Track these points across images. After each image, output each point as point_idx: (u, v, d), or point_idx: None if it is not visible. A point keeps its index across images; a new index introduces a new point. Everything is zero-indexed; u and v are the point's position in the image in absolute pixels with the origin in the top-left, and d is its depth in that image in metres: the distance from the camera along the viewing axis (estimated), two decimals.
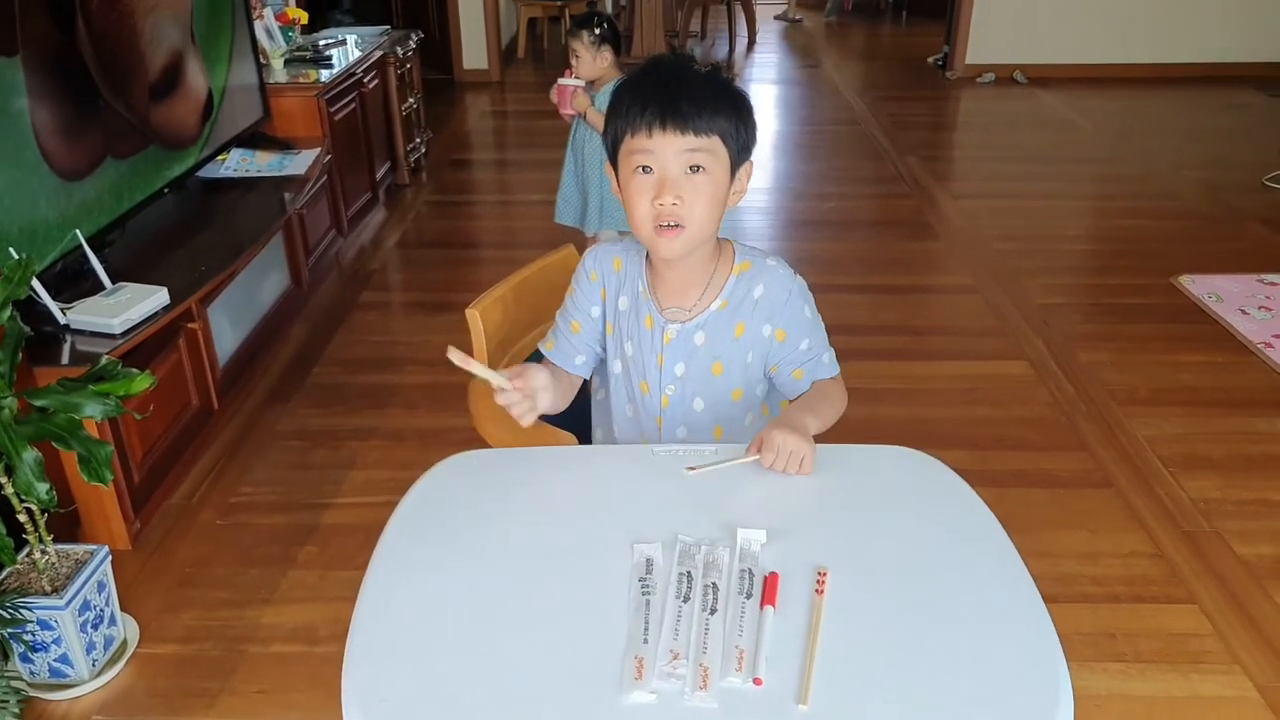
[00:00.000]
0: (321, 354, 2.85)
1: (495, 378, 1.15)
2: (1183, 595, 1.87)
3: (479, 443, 1.32)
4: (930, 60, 6.65)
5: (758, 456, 1.11)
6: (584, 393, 1.48)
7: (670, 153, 1.15)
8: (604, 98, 2.79)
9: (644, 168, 1.16)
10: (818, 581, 0.94)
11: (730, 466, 1.12)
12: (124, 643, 1.77)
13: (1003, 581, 0.96)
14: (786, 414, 1.20)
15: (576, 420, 1.41)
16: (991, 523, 1.05)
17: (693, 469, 1.11)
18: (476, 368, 1.13)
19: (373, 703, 0.83)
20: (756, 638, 0.87)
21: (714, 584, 0.93)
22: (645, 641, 0.86)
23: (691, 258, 1.24)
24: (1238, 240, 3.65)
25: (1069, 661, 0.86)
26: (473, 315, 1.40)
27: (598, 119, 2.77)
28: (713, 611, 0.90)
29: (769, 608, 0.90)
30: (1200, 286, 3.17)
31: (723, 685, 0.83)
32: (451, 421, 2.45)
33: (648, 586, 0.93)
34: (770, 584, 0.93)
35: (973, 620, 0.91)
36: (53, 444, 1.53)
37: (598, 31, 2.74)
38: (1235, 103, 5.59)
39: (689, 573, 0.95)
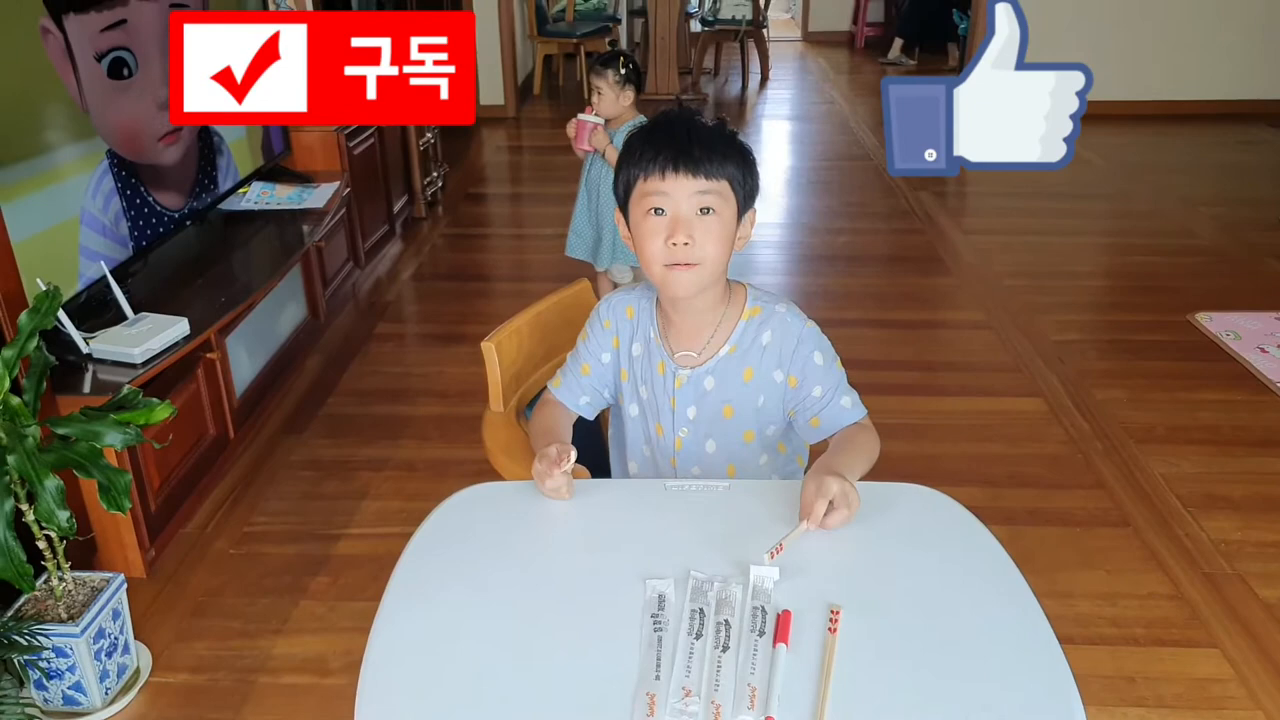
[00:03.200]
0: (336, 385, 2.87)
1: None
2: (1204, 639, 1.85)
3: (491, 474, 1.32)
4: None
5: (806, 527, 1.06)
6: (598, 425, 1.49)
7: (683, 194, 1.19)
8: (620, 136, 2.81)
9: (656, 210, 1.20)
10: (831, 620, 0.94)
11: (798, 535, 1.04)
12: (137, 671, 1.77)
13: (1016, 621, 0.96)
14: (826, 463, 1.16)
15: (590, 454, 1.41)
16: (1005, 561, 1.04)
17: (773, 553, 1.01)
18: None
19: None
20: (769, 676, 0.87)
21: (726, 621, 0.93)
22: (657, 678, 0.86)
23: (701, 301, 1.26)
24: (1254, 277, 3.64)
25: (1088, 705, 0.86)
26: (488, 348, 1.42)
27: (615, 157, 2.80)
28: (725, 649, 0.90)
29: (782, 645, 0.90)
30: (1218, 324, 3.16)
31: None
32: (463, 453, 2.46)
33: (660, 623, 0.93)
34: (783, 622, 0.93)
35: (986, 659, 0.90)
36: (74, 472, 1.54)
37: (623, 71, 2.77)
38: (1249, 139, 5.60)
39: (701, 609, 0.95)
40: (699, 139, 1.20)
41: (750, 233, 1.27)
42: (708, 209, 1.20)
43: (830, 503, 1.06)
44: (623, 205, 1.26)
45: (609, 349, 1.36)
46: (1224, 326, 3.14)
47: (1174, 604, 1.94)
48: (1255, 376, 2.84)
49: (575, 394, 1.37)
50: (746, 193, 1.24)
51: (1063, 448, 2.51)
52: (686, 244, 1.18)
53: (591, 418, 1.40)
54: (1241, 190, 4.72)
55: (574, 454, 1.14)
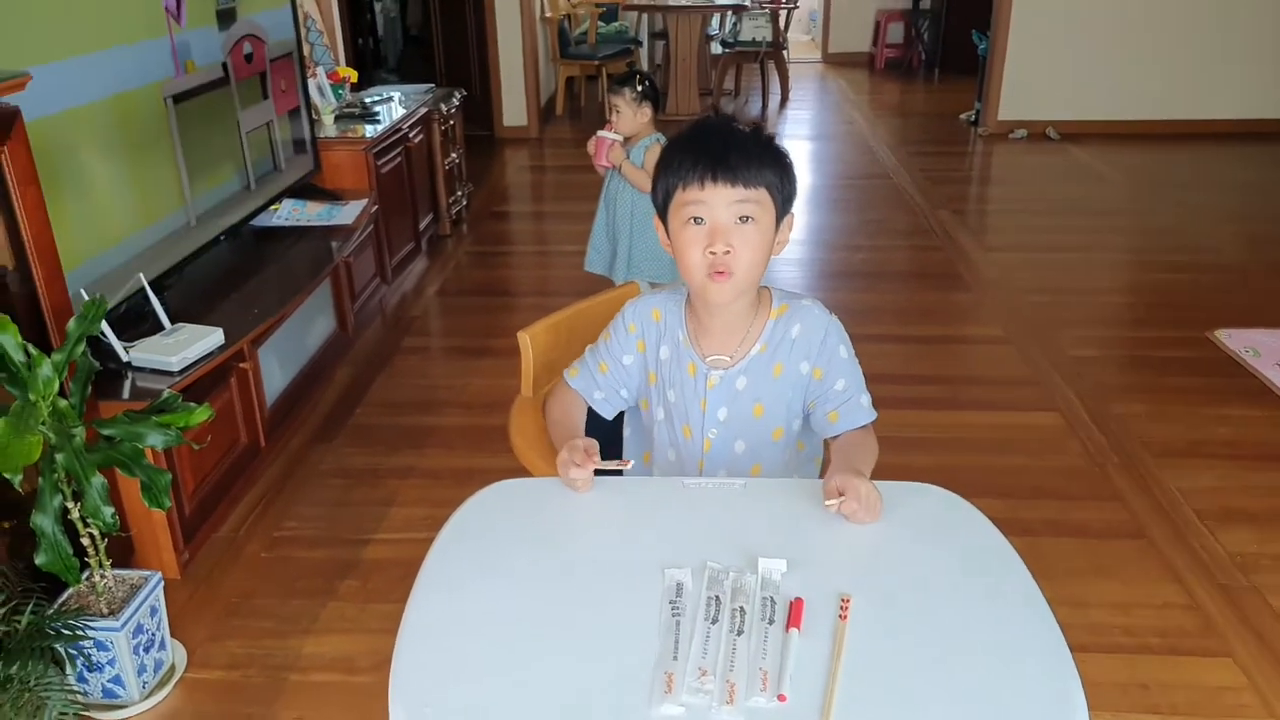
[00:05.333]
0: (364, 396, 2.94)
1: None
2: (1218, 648, 1.86)
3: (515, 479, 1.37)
4: (962, 117, 6.74)
5: (836, 501, 1.12)
6: (616, 421, 1.51)
7: (721, 204, 1.21)
8: (639, 153, 2.89)
9: (696, 219, 1.22)
10: (842, 607, 0.98)
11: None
12: (172, 667, 1.83)
13: (1023, 616, 0.99)
14: (850, 461, 1.21)
15: (607, 451, 1.45)
16: (1014, 558, 1.08)
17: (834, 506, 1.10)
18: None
19: (417, 708, 0.87)
20: (781, 658, 0.91)
21: (741, 608, 0.97)
22: (675, 659, 0.91)
23: (735, 305, 1.29)
24: (1274, 294, 3.64)
25: (1102, 711, 0.88)
26: (523, 338, 1.47)
27: (633, 173, 2.87)
28: (740, 633, 0.94)
29: (794, 630, 0.94)
30: (1237, 341, 3.16)
31: (748, 703, 0.87)
32: (488, 462, 2.52)
33: (678, 609, 0.98)
34: (796, 608, 0.97)
35: (992, 653, 0.94)
36: (117, 470, 1.61)
37: (639, 89, 2.84)
38: (1270, 158, 5.59)
39: (717, 596, 0.99)
40: (736, 147, 1.21)
41: (788, 237, 1.29)
42: (746, 217, 1.21)
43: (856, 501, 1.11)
44: (661, 214, 1.28)
45: (632, 352, 1.38)
46: (1243, 343, 3.14)
47: (1188, 614, 1.95)
48: (1274, 392, 2.84)
49: (590, 387, 1.39)
50: (784, 198, 1.25)
51: (1081, 461, 2.53)
52: (726, 252, 1.21)
53: (609, 416, 1.42)
54: (1262, 208, 4.72)
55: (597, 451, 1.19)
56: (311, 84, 3.54)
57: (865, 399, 1.32)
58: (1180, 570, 2.09)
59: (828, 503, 1.12)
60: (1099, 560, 2.13)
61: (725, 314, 1.30)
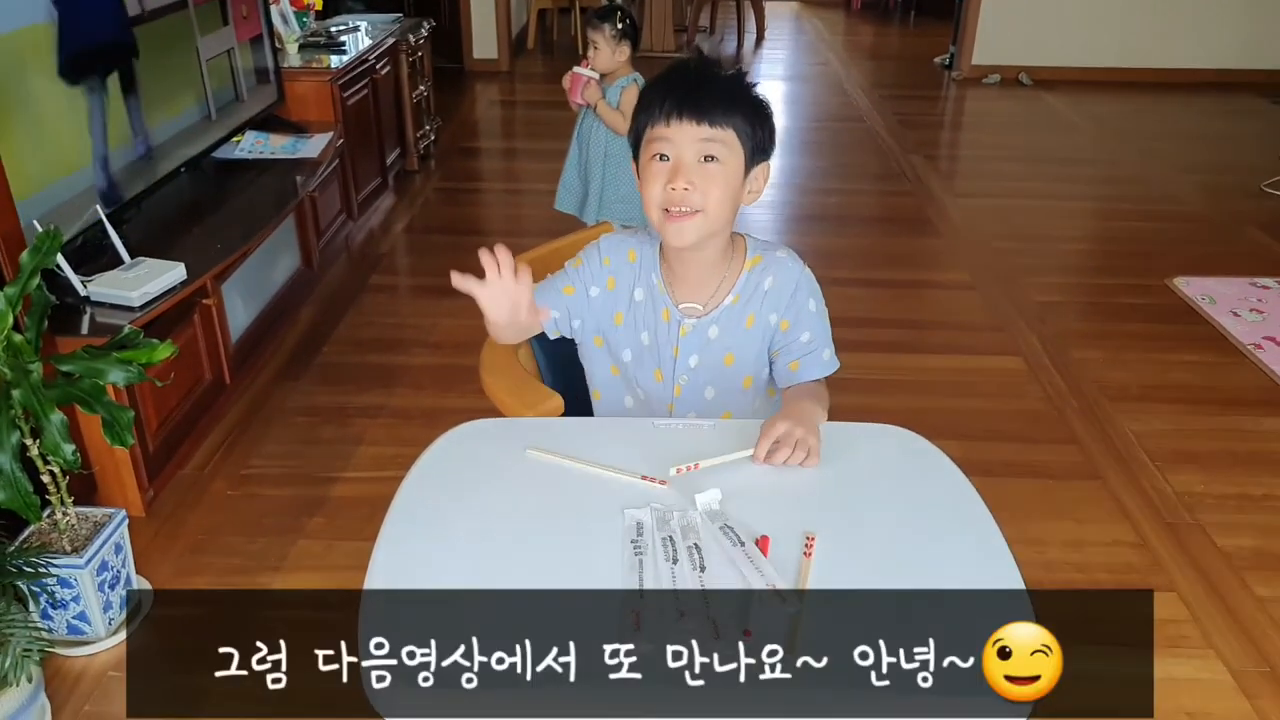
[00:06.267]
0: (331, 334, 2.91)
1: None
2: (1163, 583, 1.94)
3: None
4: (936, 60, 6.69)
5: (749, 453, 1.13)
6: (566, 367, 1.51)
7: (686, 141, 1.19)
8: (615, 93, 2.82)
9: (661, 155, 1.21)
10: (806, 546, 1.00)
11: (722, 462, 1.11)
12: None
13: (982, 553, 1.02)
14: (794, 405, 1.22)
15: (571, 385, 1.45)
16: (974, 498, 1.10)
17: (679, 470, 1.09)
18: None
19: (386, 645, 0.88)
20: (747, 595, 0.93)
21: (696, 545, 1.00)
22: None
23: (706, 252, 1.27)
24: (1234, 244, 3.71)
25: None
26: None
27: (607, 113, 2.81)
28: (702, 569, 0.96)
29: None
30: (1194, 288, 3.22)
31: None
32: (458, 402, 2.51)
33: (639, 547, 0.99)
34: (762, 546, 0.99)
35: (952, 585, 0.97)
36: (78, 407, 1.59)
37: (620, 26, 2.76)
38: (1239, 109, 5.63)
39: (670, 537, 1.01)
40: (707, 87, 1.20)
41: (761, 187, 1.27)
42: (711, 157, 1.20)
43: (777, 441, 1.13)
44: (635, 155, 1.26)
45: (600, 285, 1.35)
46: (1200, 291, 3.21)
47: (1137, 551, 2.03)
48: (1227, 339, 2.92)
49: (546, 304, 1.32)
50: (756, 145, 1.23)
51: (1040, 404, 2.59)
52: (686, 189, 1.19)
53: (551, 336, 1.36)
54: (1229, 158, 4.77)
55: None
56: (274, 10, 3.41)
57: (827, 352, 1.32)
58: (1131, 510, 2.16)
59: (755, 452, 1.12)
60: (1055, 501, 2.19)
61: (697, 262, 1.29)
